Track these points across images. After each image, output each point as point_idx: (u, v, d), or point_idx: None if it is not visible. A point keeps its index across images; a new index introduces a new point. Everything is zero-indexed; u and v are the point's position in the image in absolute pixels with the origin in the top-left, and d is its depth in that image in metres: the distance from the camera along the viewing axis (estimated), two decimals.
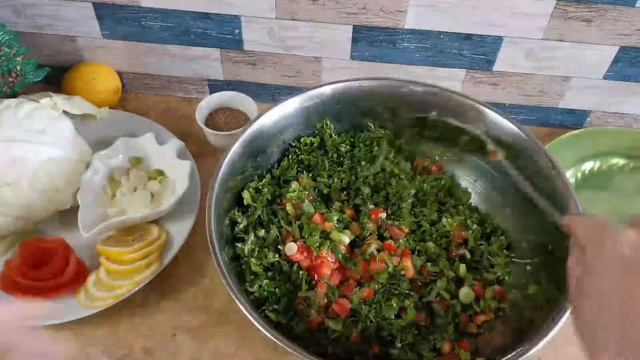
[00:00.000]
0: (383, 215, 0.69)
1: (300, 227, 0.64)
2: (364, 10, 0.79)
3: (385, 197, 0.71)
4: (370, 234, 0.67)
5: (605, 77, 0.86)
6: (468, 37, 0.82)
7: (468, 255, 0.67)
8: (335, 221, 0.65)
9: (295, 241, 0.63)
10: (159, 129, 0.85)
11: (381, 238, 0.67)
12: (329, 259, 0.62)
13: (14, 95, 0.80)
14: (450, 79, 0.89)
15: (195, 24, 0.84)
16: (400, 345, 0.59)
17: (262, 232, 0.64)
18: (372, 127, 0.73)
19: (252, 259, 0.61)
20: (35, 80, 0.83)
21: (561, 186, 0.61)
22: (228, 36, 0.85)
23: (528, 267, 0.63)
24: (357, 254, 0.65)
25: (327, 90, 0.70)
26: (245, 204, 0.66)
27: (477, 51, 0.84)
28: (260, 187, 0.67)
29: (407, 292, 0.62)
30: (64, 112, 0.74)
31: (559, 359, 0.69)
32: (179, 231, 0.74)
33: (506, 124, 0.67)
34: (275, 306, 0.60)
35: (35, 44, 0.86)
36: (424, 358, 0.59)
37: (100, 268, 0.69)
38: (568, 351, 0.70)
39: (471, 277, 0.65)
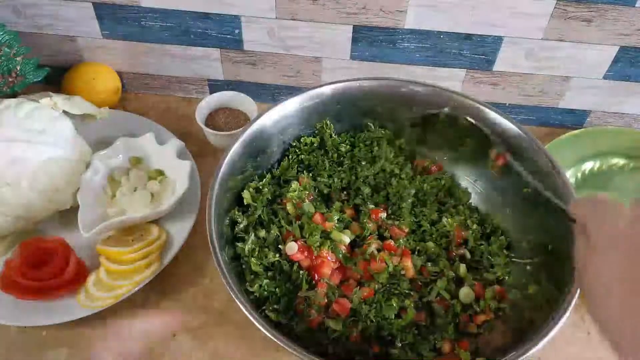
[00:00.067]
0: (383, 215, 0.69)
1: (301, 227, 0.64)
2: (364, 10, 0.79)
3: (386, 197, 0.71)
4: (370, 233, 0.67)
5: (605, 77, 0.86)
6: (468, 37, 0.82)
7: (468, 255, 0.67)
8: (336, 221, 0.65)
9: (295, 241, 0.63)
10: (159, 129, 0.85)
11: (381, 238, 0.67)
12: (330, 259, 0.62)
13: (14, 95, 0.80)
14: (450, 79, 0.89)
15: (195, 24, 0.84)
16: (400, 345, 0.59)
17: (262, 233, 0.64)
18: (372, 127, 0.74)
19: (253, 258, 0.61)
20: (35, 80, 0.83)
21: (561, 186, 0.61)
22: (228, 36, 0.85)
23: (528, 267, 0.63)
24: (358, 254, 0.65)
25: (327, 90, 0.70)
26: (245, 203, 0.66)
27: (477, 51, 0.84)
28: (260, 187, 0.67)
29: (407, 292, 0.62)
30: (64, 112, 0.74)
31: (559, 359, 0.69)
32: (179, 231, 0.74)
33: (506, 124, 0.67)
34: (275, 306, 0.60)
35: (35, 44, 0.86)
36: (424, 358, 0.59)
37: (100, 268, 0.69)
38: (568, 351, 0.70)
39: (471, 277, 0.65)
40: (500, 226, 0.69)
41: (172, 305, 0.71)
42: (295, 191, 0.67)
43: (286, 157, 0.72)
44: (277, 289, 0.60)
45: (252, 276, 0.61)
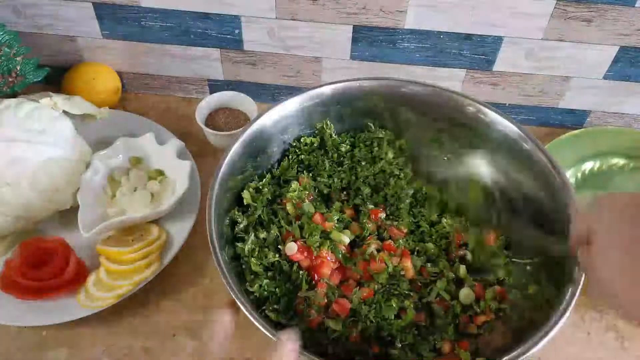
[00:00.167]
0: (382, 215, 0.69)
1: (301, 227, 0.64)
2: (364, 10, 0.79)
3: (385, 198, 0.71)
4: (370, 234, 0.67)
5: (605, 77, 0.86)
6: (468, 37, 0.82)
7: (469, 257, 0.67)
8: (336, 221, 0.65)
9: (295, 241, 0.63)
10: (159, 129, 0.85)
11: (381, 239, 0.67)
12: (329, 259, 0.62)
13: (14, 95, 0.80)
14: (450, 79, 0.89)
15: (195, 24, 0.84)
16: (400, 345, 0.59)
17: (262, 233, 0.64)
18: (373, 127, 0.73)
19: (252, 258, 0.61)
20: (35, 80, 0.83)
21: (561, 186, 0.61)
22: (228, 36, 0.85)
23: (528, 267, 0.63)
24: (357, 254, 0.65)
25: (327, 90, 0.70)
26: (245, 203, 0.66)
27: (477, 51, 0.84)
28: (260, 187, 0.67)
29: (406, 292, 0.62)
30: (64, 112, 0.74)
31: (559, 359, 0.69)
32: (179, 231, 0.74)
33: (506, 124, 0.67)
34: (275, 306, 0.59)
35: (35, 44, 0.86)
36: (424, 358, 0.59)
37: (100, 268, 0.69)
38: (568, 351, 0.70)
39: (471, 278, 0.65)
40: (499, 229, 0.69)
41: (172, 305, 0.71)
42: (295, 191, 0.67)
43: (286, 157, 0.72)
44: (277, 289, 0.60)
45: (252, 276, 0.61)
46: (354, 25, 0.82)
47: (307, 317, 0.60)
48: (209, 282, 0.73)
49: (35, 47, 0.85)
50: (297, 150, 0.72)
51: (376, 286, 0.62)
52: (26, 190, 0.68)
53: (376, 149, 0.73)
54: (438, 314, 0.62)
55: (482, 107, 0.68)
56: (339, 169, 0.72)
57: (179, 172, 0.76)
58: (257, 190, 0.67)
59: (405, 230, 0.68)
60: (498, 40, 0.82)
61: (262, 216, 0.66)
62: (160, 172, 0.79)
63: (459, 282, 0.65)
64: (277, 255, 0.63)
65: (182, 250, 0.72)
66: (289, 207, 0.66)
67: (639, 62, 0.83)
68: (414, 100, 0.71)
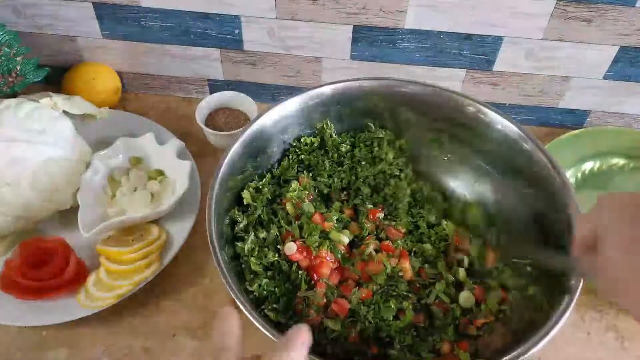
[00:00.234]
0: (381, 215, 0.69)
1: (300, 227, 0.64)
2: (364, 10, 0.79)
3: (384, 198, 0.71)
4: (368, 233, 0.67)
5: (605, 77, 0.86)
6: (468, 37, 0.82)
7: (466, 263, 0.66)
8: (335, 221, 0.65)
9: (294, 241, 0.63)
10: (159, 129, 0.85)
11: (379, 239, 0.67)
12: (328, 259, 0.62)
13: (14, 95, 0.80)
14: (450, 79, 0.89)
15: (195, 24, 0.84)
16: (399, 346, 0.59)
17: (262, 233, 0.64)
18: (373, 127, 0.73)
19: (252, 258, 0.61)
20: (35, 80, 0.83)
21: (561, 186, 0.61)
22: (228, 36, 0.85)
23: (528, 268, 0.63)
24: (355, 255, 0.65)
25: (327, 90, 0.70)
26: (245, 203, 0.66)
27: (477, 51, 0.84)
28: (260, 187, 0.67)
29: (405, 293, 0.62)
30: (64, 112, 0.74)
31: (559, 359, 0.69)
32: (179, 231, 0.74)
33: (506, 124, 0.67)
34: (274, 305, 0.60)
35: (35, 44, 0.86)
36: (423, 359, 0.59)
37: (100, 268, 0.69)
38: (568, 351, 0.70)
39: (471, 281, 0.64)
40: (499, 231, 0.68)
41: (172, 305, 0.71)
42: (295, 191, 0.67)
43: (286, 157, 0.72)
44: (276, 289, 0.60)
45: (252, 276, 0.61)
46: (354, 25, 0.82)
47: (306, 316, 0.60)
48: (209, 282, 0.73)
49: (35, 47, 0.85)
50: (297, 150, 0.72)
51: (375, 287, 0.62)
52: (26, 190, 0.68)
53: (376, 149, 0.73)
54: (437, 316, 0.62)
55: (482, 107, 0.68)
56: (339, 169, 0.72)
57: (179, 172, 0.76)
58: (257, 190, 0.67)
59: (403, 231, 0.67)
60: (498, 40, 0.82)
61: (262, 216, 0.66)
62: (160, 172, 0.79)
63: (459, 285, 0.65)
64: (276, 255, 0.63)
65: (182, 250, 0.72)
66: (288, 207, 0.66)
67: (639, 62, 0.83)
68: (414, 100, 0.71)
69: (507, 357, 0.51)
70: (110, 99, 0.90)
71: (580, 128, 0.90)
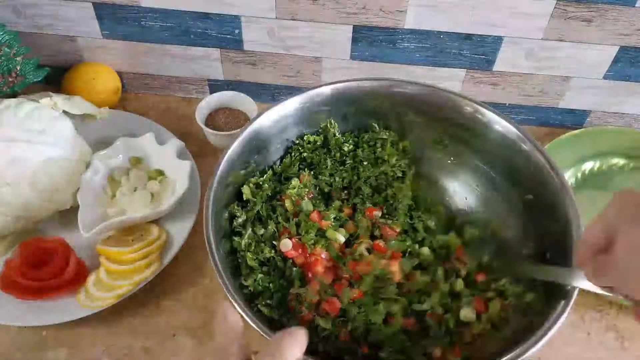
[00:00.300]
0: (378, 213, 0.68)
1: (297, 224, 0.65)
2: (364, 10, 0.79)
3: (385, 198, 0.71)
4: (364, 232, 0.66)
5: (605, 77, 0.86)
6: (468, 37, 0.82)
7: (463, 273, 0.65)
8: (332, 219, 0.65)
9: (290, 238, 0.63)
10: (159, 129, 0.85)
11: (375, 237, 0.67)
12: (323, 257, 0.62)
13: (14, 95, 0.80)
14: (450, 79, 0.89)
15: (195, 24, 0.84)
16: (390, 349, 0.59)
17: (260, 228, 0.64)
18: (377, 128, 0.73)
19: (249, 253, 0.62)
20: (35, 80, 0.83)
21: (559, 187, 0.61)
22: (228, 36, 0.85)
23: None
24: (347, 254, 0.64)
25: (326, 90, 0.70)
26: (244, 199, 0.66)
27: (477, 51, 0.84)
28: (261, 183, 0.67)
29: (394, 297, 0.60)
30: (64, 112, 0.74)
31: (558, 359, 0.69)
32: (179, 231, 0.74)
33: (504, 124, 0.67)
34: (268, 301, 0.60)
35: (35, 44, 0.86)
36: None
37: (100, 268, 0.69)
38: (567, 351, 0.70)
39: (469, 292, 0.62)
40: (498, 233, 0.68)
41: (172, 305, 0.71)
42: (294, 188, 0.67)
43: (289, 155, 0.72)
44: (270, 284, 0.61)
45: (248, 271, 0.61)
46: (354, 25, 0.82)
47: (298, 313, 0.60)
48: (209, 282, 0.73)
49: (35, 47, 0.85)
50: (300, 148, 0.72)
51: (365, 288, 0.61)
52: (26, 190, 0.68)
53: (379, 149, 0.72)
54: (432, 327, 0.61)
55: (479, 107, 0.68)
56: (341, 168, 0.72)
57: (179, 172, 0.76)
58: (258, 186, 0.67)
59: (398, 230, 0.67)
60: (498, 40, 0.82)
61: (260, 212, 0.66)
62: (160, 172, 0.79)
63: (456, 294, 0.63)
64: (272, 251, 0.63)
65: (182, 250, 0.72)
66: (287, 203, 0.67)
67: (639, 62, 0.83)
68: (413, 100, 0.71)
69: (507, 357, 0.51)
70: (110, 99, 0.90)
71: (580, 128, 0.90)
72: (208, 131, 0.83)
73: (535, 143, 0.64)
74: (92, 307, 0.66)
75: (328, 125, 0.72)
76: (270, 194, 0.68)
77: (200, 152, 0.85)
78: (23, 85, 0.82)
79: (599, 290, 0.47)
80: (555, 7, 0.77)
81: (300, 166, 0.72)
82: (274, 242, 0.64)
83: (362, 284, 0.61)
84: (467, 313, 0.60)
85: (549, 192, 0.62)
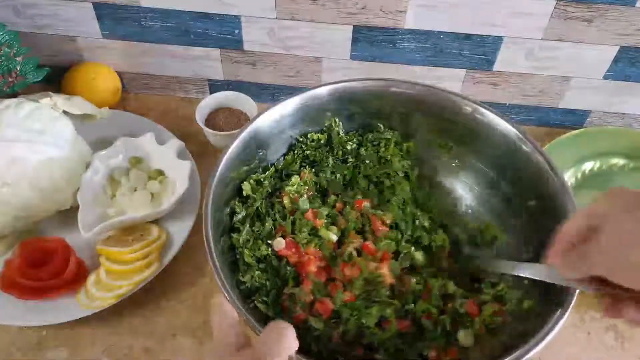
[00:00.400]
0: (367, 204, 0.68)
1: (293, 223, 0.65)
2: (364, 10, 0.79)
3: (380, 191, 0.71)
4: (353, 227, 0.66)
5: (605, 77, 0.86)
6: (468, 37, 0.82)
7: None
8: (325, 217, 0.65)
9: (285, 237, 0.63)
10: (159, 129, 0.85)
11: (364, 232, 0.66)
12: (316, 256, 0.63)
13: (14, 95, 0.80)
14: (450, 79, 0.89)
15: (195, 24, 0.84)
16: (384, 351, 0.59)
17: (258, 226, 0.64)
18: (382, 128, 0.73)
19: (246, 249, 0.62)
20: (35, 80, 0.83)
21: (559, 187, 0.61)
22: (228, 36, 0.85)
23: (525, 281, 0.60)
24: (337, 256, 0.64)
25: (326, 90, 0.70)
26: (244, 195, 0.66)
27: (477, 51, 0.84)
28: (261, 180, 0.68)
29: (387, 300, 0.60)
30: (64, 112, 0.74)
31: (559, 359, 0.69)
32: (179, 231, 0.74)
33: (503, 124, 0.67)
34: (264, 298, 0.60)
35: (35, 44, 0.86)
36: None
37: (100, 268, 0.69)
38: (568, 351, 0.70)
39: (461, 292, 0.62)
40: (498, 237, 0.68)
41: (172, 305, 0.71)
42: (294, 185, 0.67)
43: (291, 152, 0.72)
44: (267, 282, 0.61)
45: (245, 267, 0.61)
46: (354, 25, 0.82)
47: (292, 313, 0.60)
48: (209, 282, 0.73)
49: (35, 47, 0.85)
50: (303, 146, 0.72)
51: (356, 291, 0.61)
52: (26, 190, 0.68)
53: (383, 149, 0.72)
54: (427, 328, 0.60)
55: (479, 107, 0.68)
56: (343, 166, 0.72)
57: (179, 172, 0.76)
58: (259, 182, 0.67)
59: (388, 222, 0.66)
60: (498, 40, 0.82)
61: (260, 208, 0.66)
62: (160, 172, 0.79)
63: (450, 296, 0.62)
64: (268, 249, 0.63)
65: (182, 250, 0.72)
66: (286, 200, 0.67)
67: (639, 62, 0.83)
68: (413, 100, 0.70)
69: (508, 358, 0.51)
70: (110, 99, 0.90)
71: (580, 128, 0.90)
72: (208, 131, 0.83)
73: (535, 143, 0.64)
74: (92, 307, 0.66)
75: (332, 124, 0.72)
76: (270, 191, 0.68)
77: (200, 152, 0.85)
78: (23, 85, 0.82)
79: (564, 284, 0.50)
80: (555, 7, 0.77)
81: (303, 164, 0.72)
82: (269, 240, 0.64)
83: (353, 287, 0.61)
84: (464, 335, 0.59)
85: (549, 193, 0.62)
